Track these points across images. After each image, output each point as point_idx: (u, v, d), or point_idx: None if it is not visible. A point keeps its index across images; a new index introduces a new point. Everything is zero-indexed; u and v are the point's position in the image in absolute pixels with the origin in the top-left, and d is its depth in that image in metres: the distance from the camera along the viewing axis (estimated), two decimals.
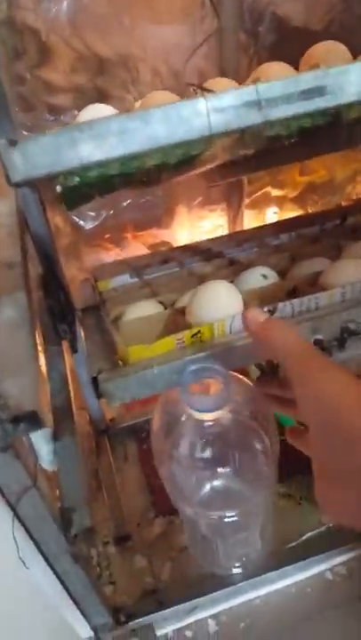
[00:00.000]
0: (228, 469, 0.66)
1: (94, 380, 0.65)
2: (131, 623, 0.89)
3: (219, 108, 0.52)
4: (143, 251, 1.35)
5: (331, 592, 0.95)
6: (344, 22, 1.11)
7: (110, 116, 0.53)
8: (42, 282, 0.71)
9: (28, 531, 0.62)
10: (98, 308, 0.85)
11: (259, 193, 1.41)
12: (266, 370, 0.60)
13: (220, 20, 1.05)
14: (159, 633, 0.91)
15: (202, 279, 0.82)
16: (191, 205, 1.34)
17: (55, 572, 0.71)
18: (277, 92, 0.53)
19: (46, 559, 0.67)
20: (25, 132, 1.08)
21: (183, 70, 1.09)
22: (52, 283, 0.70)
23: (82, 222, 1.25)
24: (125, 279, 0.90)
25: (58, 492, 0.64)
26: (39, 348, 0.73)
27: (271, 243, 0.97)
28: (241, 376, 0.68)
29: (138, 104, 0.78)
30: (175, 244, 1.34)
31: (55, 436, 0.64)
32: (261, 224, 1.27)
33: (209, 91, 0.61)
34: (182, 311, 0.73)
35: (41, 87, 1.06)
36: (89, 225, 1.26)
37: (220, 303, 0.69)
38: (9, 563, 0.63)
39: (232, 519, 0.71)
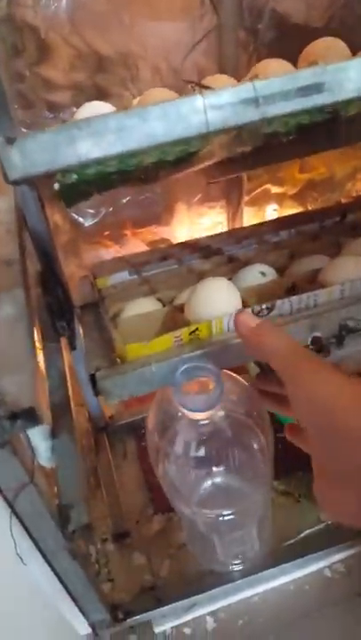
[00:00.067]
0: (223, 468, 0.66)
1: (92, 378, 0.65)
2: (129, 620, 0.89)
3: (216, 105, 0.52)
4: (142, 248, 1.35)
5: (329, 589, 0.95)
6: (344, 19, 1.11)
7: (108, 113, 0.53)
8: (40, 279, 0.71)
9: (25, 527, 0.62)
10: (97, 305, 0.85)
11: (258, 190, 1.41)
12: (265, 367, 0.60)
13: (220, 17, 1.05)
14: (157, 630, 0.91)
15: (200, 276, 0.82)
16: (190, 202, 1.34)
17: (53, 569, 0.71)
18: (275, 88, 0.53)
19: (44, 556, 0.67)
20: (24, 130, 1.08)
21: (182, 68, 1.09)
22: (51, 280, 0.70)
23: (81, 219, 1.25)
24: (124, 276, 0.90)
25: (56, 488, 0.64)
26: (37, 345, 0.73)
27: (270, 240, 0.97)
28: (234, 374, 0.68)
29: (136, 101, 0.78)
30: (174, 242, 1.34)
31: (53, 433, 0.64)
32: (261, 221, 1.27)
33: (207, 88, 0.61)
34: (181, 308, 0.73)
35: (40, 84, 1.06)
36: (88, 222, 1.26)
37: (218, 301, 0.69)
38: (6, 559, 0.63)
39: (229, 517, 0.71)
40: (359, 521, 0.44)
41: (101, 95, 1.09)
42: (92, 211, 1.25)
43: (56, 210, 1.21)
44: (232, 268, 0.84)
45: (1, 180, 0.52)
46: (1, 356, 0.53)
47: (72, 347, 0.78)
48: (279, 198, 1.45)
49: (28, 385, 0.49)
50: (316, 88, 0.54)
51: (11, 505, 0.58)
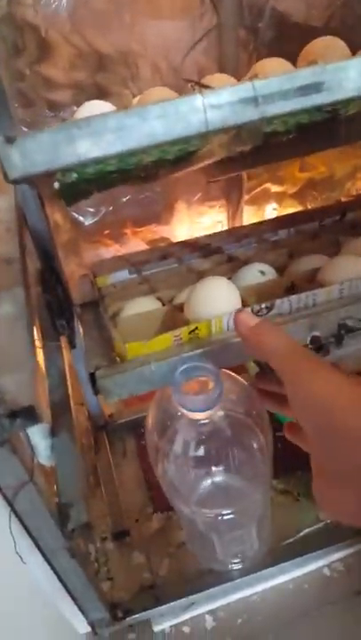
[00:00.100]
0: (223, 467, 0.66)
1: (92, 377, 0.65)
2: (128, 619, 0.89)
3: (215, 105, 0.52)
4: (142, 247, 1.35)
5: (328, 588, 0.95)
6: (344, 18, 1.11)
7: (108, 112, 0.53)
8: (40, 277, 0.71)
9: (24, 526, 0.62)
10: (96, 304, 0.85)
11: (258, 189, 1.41)
12: (264, 366, 0.60)
13: (220, 16, 1.05)
14: (156, 629, 0.91)
15: (200, 275, 0.82)
16: (191, 201, 1.34)
17: (52, 568, 0.71)
18: (274, 88, 0.53)
19: (43, 554, 0.68)
20: (24, 129, 1.08)
21: (182, 66, 1.09)
22: (51, 278, 0.70)
23: (81, 218, 1.25)
24: (124, 275, 0.90)
25: (55, 487, 0.64)
26: (37, 343, 0.73)
27: (270, 239, 0.97)
28: (233, 373, 0.68)
29: (136, 100, 0.78)
30: (174, 241, 1.34)
31: (53, 432, 0.64)
32: (260, 220, 1.27)
33: (207, 87, 0.61)
34: (180, 308, 0.73)
35: (40, 83, 1.06)
36: (88, 221, 1.26)
37: (217, 300, 0.69)
38: (6, 558, 0.63)
39: (229, 517, 0.71)
40: (358, 520, 0.44)
41: (102, 94, 1.10)
42: (92, 209, 1.25)
43: (56, 208, 1.22)
44: (232, 267, 0.84)
45: (1, 179, 0.52)
46: (1, 354, 0.53)
47: (72, 345, 0.78)
48: (279, 197, 1.45)
49: (28, 383, 0.49)
50: (316, 87, 0.54)
51: (10, 503, 0.58)
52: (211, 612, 0.93)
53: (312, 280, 0.76)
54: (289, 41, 1.10)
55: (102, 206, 1.25)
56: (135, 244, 1.36)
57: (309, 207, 1.46)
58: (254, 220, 1.42)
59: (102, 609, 0.85)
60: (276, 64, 0.69)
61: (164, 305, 0.79)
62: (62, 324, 0.73)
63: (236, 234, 1.03)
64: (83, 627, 0.87)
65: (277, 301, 0.68)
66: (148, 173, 0.65)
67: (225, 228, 1.41)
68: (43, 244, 0.67)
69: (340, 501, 0.44)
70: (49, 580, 0.73)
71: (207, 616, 0.93)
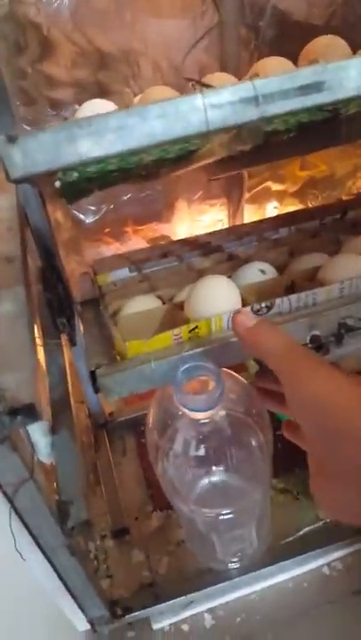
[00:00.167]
0: (223, 467, 0.66)
1: (92, 375, 0.65)
2: (127, 616, 0.89)
3: (216, 104, 0.52)
4: (143, 245, 1.36)
5: (328, 587, 0.95)
6: (345, 17, 1.11)
7: (109, 112, 0.53)
8: (41, 275, 0.71)
9: (25, 523, 0.62)
10: (97, 302, 0.85)
11: (259, 187, 1.41)
12: (264, 365, 0.60)
13: (221, 14, 1.05)
14: (155, 627, 0.91)
15: (200, 274, 0.82)
16: (191, 200, 1.35)
17: (52, 565, 0.71)
18: (275, 87, 0.53)
19: (43, 552, 0.68)
20: (26, 127, 1.08)
21: (184, 65, 1.09)
22: (52, 276, 0.70)
23: (82, 216, 1.25)
24: (125, 273, 0.90)
25: (55, 484, 0.64)
26: (38, 341, 0.73)
27: (270, 237, 0.97)
28: (233, 372, 0.68)
29: (137, 99, 0.78)
30: (175, 239, 1.34)
31: (53, 429, 0.64)
32: (261, 218, 1.27)
33: (208, 86, 0.61)
34: (180, 306, 0.73)
35: (42, 81, 1.06)
36: (89, 219, 1.26)
37: (217, 298, 0.69)
38: (6, 555, 0.63)
39: (228, 516, 0.71)
40: (357, 519, 0.44)
41: (103, 92, 1.10)
42: (92, 208, 1.25)
43: (57, 207, 1.22)
44: (232, 265, 0.84)
45: (2, 178, 0.52)
46: (1, 352, 0.53)
47: (72, 343, 0.78)
48: (280, 196, 1.45)
49: (29, 381, 0.49)
50: (317, 87, 0.54)
51: (10, 500, 0.58)
52: (210, 611, 0.93)
53: (312, 279, 0.76)
54: (290, 39, 1.10)
55: (103, 204, 1.25)
56: (136, 242, 1.36)
57: (310, 206, 1.47)
58: (255, 218, 1.41)
59: (102, 606, 0.85)
60: (276, 63, 0.69)
61: (164, 303, 0.79)
62: (63, 321, 0.73)
63: (236, 232, 1.03)
64: (82, 624, 0.88)
65: (277, 300, 0.68)
66: (149, 172, 0.65)
67: (225, 226, 1.41)
68: (44, 242, 0.67)
69: (339, 500, 0.44)
70: (49, 577, 0.73)
71: (206, 614, 0.93)
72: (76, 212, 1.25)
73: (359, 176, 1.46)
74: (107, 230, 1.31)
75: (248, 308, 0.67)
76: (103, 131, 0.51)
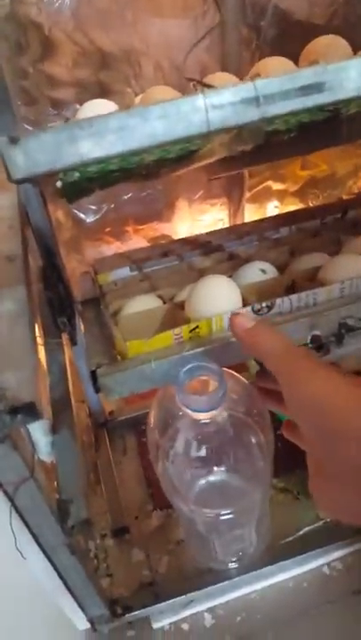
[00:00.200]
0: (223, 467, 0.66)
1: (93, 374, 0.65)
2: (127, 615, 0.89)
3: (217, 105, 0.52)
4: (144, 244, 1.36)
5: (328, 587, 0.95)
6: (346, 16, 1.11)
7: (110, 112, 0.53)
8: (42, 274, 0.71)
9: (25, 522, 0.62)
10: (98, 301, 0.85)
11: (260, 187, 1.41)
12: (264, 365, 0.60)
13: (222, 14, 1.05)
14: (155, 626, 0.91)
15: (201, 273, 0.82)
16: (192, 199, 1.35)
17: (52, 564, 0.71)
18: (275, 88, 0.53)
19: (43, 551, 0.68)
20: (27, 126, 1.08)
21: (185, 65, 1.09)
22: (53, 275, 0.70)
23: (83, 216, 1.26)
24: (125, 272, 0.90)
25: (55, 483, 0.64)
26: (39, 340, 0.73)
27: (271, 237, 0.97)
28: (234, 372, 0.68)
29: (138, 99, 0.78)
30: (176, 238, 1.34)
31: (53, 428, 0.64)
32: (262, 218, 1.27)
33: (209, 86, 0.61)
34: (181, 306, 0.73)
35: (44, 81, 1.06)
36: (90, 218, 1.26)
37: (218, 298, 0.69)
38: (6, 554, 0.63)
39: (228, 516, 0.71)
40: (357, 519, 0.44)
41: (104, 92, 1.10)
42: (93, 207, 1.25)
43: (58, 206, 1.22)
44: (232, 265, 0.84)
45: (3, 177, 0.53)
46: (2, 351, 0.54)
47: (73, 342, 0.78)
48: (281, 195, 1.45)
49: (29, 380, 0.50)
50: (317, 87, 0.54)
51: (11, 499, 0.58)
52: (210, 610, 0.93)
53: (313, 279, 0.76)
54: (291, 39, 1.10)
55: (104, 204, 1.25)
56: (136, 241, 1.36)
57: (311, 205, 1.47)
58: (256, 217, 1.41)
59: (102, 605, 0.85)
60: (278, 63, 0.69)
61: (164, 303, 0.79)
62: (63, 321, 0.73)
63: (237, 232, 1.03)
64: (82, 623, 0.88)
65: (278, 300, 0.68)
66: (150, 172, 0.65)
67: (226, 225, 1.41)
68: (45, 241, 0.67)
69: (337, 500, 0.44)
70: (49, 576, 0.73)
71: (206, 614, 0.93)
72: (76, 212, 1.25)
73: (360, 175, 1.46)
74: (107, 229, 1.31)
75: (247, 309, 0.67)
76: (104, 131, 0.51)
